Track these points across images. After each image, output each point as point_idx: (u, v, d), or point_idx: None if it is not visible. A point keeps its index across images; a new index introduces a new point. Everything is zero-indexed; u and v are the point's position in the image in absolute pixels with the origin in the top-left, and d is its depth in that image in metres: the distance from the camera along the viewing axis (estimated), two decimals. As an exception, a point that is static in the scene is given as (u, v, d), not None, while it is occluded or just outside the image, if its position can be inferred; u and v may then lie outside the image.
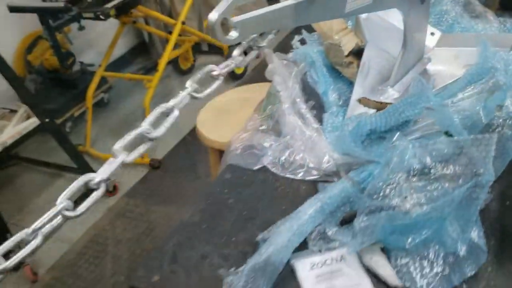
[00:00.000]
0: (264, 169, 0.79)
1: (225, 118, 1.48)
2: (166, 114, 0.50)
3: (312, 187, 0.73)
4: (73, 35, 2.95)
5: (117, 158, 0.49)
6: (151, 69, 3.30)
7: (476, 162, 0.58)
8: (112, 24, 3.05)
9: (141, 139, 0.55)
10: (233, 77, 3.23)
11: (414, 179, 0.59)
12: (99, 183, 0.48)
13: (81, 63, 3.08)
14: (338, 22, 1.02)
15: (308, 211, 0.63)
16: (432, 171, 0.59)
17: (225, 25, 0.45)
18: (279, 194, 0.75)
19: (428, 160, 0.60)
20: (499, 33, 1.00)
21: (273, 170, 0.78)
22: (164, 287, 0.62)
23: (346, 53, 0.95)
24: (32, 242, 0.45)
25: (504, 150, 0.71)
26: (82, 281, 2.00)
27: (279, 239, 0.61)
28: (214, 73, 0.50)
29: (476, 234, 0.57)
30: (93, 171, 2.11)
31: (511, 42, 0.90)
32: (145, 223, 2.24)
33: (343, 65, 0.95)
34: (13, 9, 2.30)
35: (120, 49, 3.44)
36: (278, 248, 0.60)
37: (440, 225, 0.56)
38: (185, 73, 3.50)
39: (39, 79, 2.93)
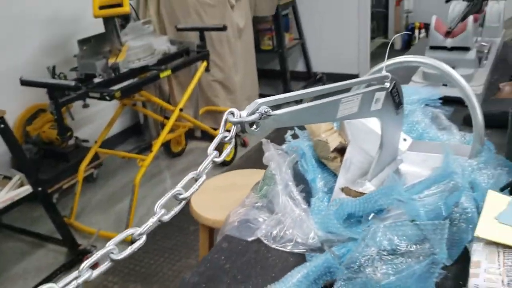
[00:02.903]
0: (257, 240, 0.91)
1: (217, 199, 1.61)
2: (195, 179, 0.62)
3: (299, 259, 0.85)
4: (73, 111, 3.13)
5: (157, 215, 0.60)
6: (143, 150, 3.46)
7: (433, 243, 0.71)
8: (110, 103, 3.26)
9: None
10: (222, 164, 3.39)
11: (384, 253, 0.72)
12: (140, 235, 0.59)
13: (76, 138, 3.23)
14: (326, 124, 1.20)
15: (296, 276, 0.74)
16: (398, 248, 0.72)
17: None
18: (270, 263, 0.86)
19: (395, 239, 0.73)
20: (460, 144, 1.18)
21: (266, 242, 0.90)
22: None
23: (331, 149, 1.12)
24: (80, 278, 0.55)
25: (459, 239, 0.85)
26: None
27: (269, 298, 0.71)
28: (226, 139, 0.64)
29: (433, 304, 0.69)
30: (77, 243, 2.16)
31: (468, 152, 1.08)
32: (121, 301, 2.25)
33: (328, 159, 1.11)
34: (24, 83, 2.47)
35: (115, 128, 3.61)
36: (268, 306, 0.70)
37: (404, 293, 0.68)
38: (175, 155, 3.66)
39: (34, 149, 3.05)
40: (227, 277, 0.83)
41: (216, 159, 0.63)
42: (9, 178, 2.39)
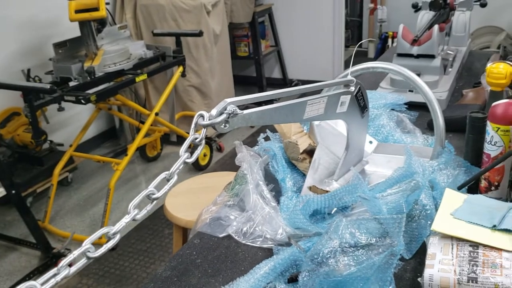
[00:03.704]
0: (228, 237, 0.95)
1: (190, 200, 1.64)
2: (167, 179, 0.66)
3: (268, 253, 0.89)
4: (48, 114, 3.11)
5: (131, 215, 0.63)
6: (119, 154, 3.45)
7: (392, 235, 0.76)
8: (86, 107, 3.25)
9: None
10: (198, 169, 3.42)
11: (346, 245, 0.76)
12: (114, 234, 0.62)
13: (51, 141, 3.20)
14: (296, 126, 1.25)
15: (264, 268, 0.78)
16: (359, 241, 0.77)
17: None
18: (239, 257, 0.90)
19: (357, 232, 0.78)
20: (422, 146, 1.25)
21: (236, 238, 0.94)
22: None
23: (301, 150, 1.16)
24: (59, 275, 0.57)
25: (419, 235, 0.91)
26: None
27: (238, 289, 0.75)
28: (197, 140, 0.68)
29: (391, 291, 0.74)
30: (51, 246, 2.14)
31: (430, 154, 1.14)
32: (95, 303, 2.25)
33: (298, 160, 1.16)
34: (-1, 86, 2.46)
35: (90, 132, 3.59)
36: (237, 296, 0.74)
37: (365, 283, 0.72)
38: (150, 160, 3.66)
39: (8, 152, 3.02)
40: (198, 271, 0.87)
41: (187, 160, 0.66)
42: (-19, 181, 2.36)
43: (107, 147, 3.89)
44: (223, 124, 0.66)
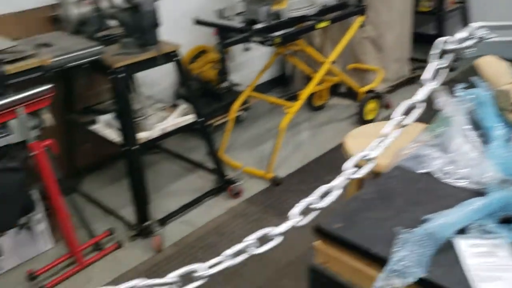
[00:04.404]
0: (427, 174, 0.96)
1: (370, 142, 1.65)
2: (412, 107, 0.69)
3: (471, 196, 0.86)
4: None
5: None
6: (288, 99, 3.59)
7: None
8: (262, 52, 3.41)
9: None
10: (361, 123, 3.39)
11: None
12: (372, 159, 0.68)
13: (230, 81, 3.46)
14: (507, 76, 1.16)
15: (473, 205, 0.77)
16: None
17: None
18: (441, 194, 0.90)
19: None
20: None
21: (437, 176, 0.94)
22: (344, 233, 0.81)
23: (512, 101, 1.09)
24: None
25: None
26: (197, 261, 2.25)
27: (445, 218, 0.76)
28: (442, 66, 0.68)
29: None
30: (224, 173, 2.37)
31: None
32: (258, 229, 2.45)
33: (508, 110, 1.09)
34: (198, 22, 2.72)
35: (262, 77, 3.78)
36: (443, 225, 0.75)
37: None
38: (316, 109, 3.74)
39: (195, 86, 3.36)
40: (401, 198, 0.90)
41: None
42: (175, 107, 2.69)
43: (277, 93, 4.06)
44: (468, 50, 0.65)
